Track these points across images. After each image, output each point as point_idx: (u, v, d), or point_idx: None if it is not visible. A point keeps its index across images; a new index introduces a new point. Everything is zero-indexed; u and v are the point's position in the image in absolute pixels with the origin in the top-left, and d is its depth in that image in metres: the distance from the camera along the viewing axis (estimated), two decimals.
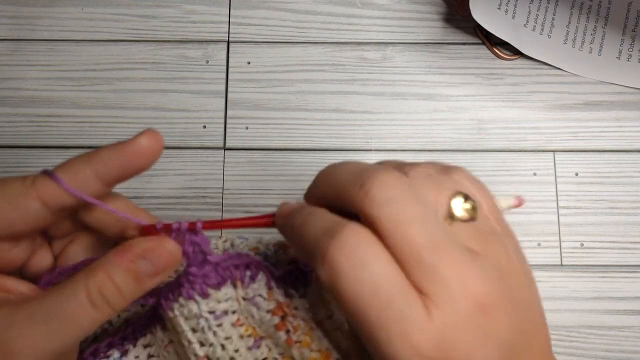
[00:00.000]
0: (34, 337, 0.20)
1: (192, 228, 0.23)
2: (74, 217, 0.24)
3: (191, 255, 0.24)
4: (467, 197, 0.21)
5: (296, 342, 0.25)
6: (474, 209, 0.21)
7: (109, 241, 0.25)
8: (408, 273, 0.19)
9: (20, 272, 0.24)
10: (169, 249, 0.22)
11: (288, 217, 0.22)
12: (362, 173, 0.20)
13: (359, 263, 0.18)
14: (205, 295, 0.24)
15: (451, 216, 0.21)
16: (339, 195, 0.20)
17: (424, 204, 0.20)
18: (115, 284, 0.21)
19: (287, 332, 0.25)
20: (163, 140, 0.22)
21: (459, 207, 0.21)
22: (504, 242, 0.22)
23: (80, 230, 0.25)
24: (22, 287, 0.22)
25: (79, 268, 0.23)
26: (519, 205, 0.24)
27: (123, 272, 0.21)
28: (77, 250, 0.25)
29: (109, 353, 0.26)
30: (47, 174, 0.22)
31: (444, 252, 0.19)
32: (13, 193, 0.21)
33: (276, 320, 0.25)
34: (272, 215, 0.23)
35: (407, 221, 0.19)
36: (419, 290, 0.18)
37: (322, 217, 0.20)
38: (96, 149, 0.22)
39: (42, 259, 0.24)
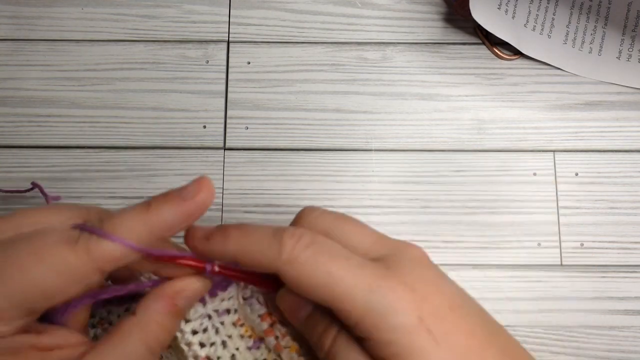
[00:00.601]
0: None
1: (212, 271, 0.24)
2: None
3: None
4: None
5: (285, 347, 0.25)
6: None
7: None
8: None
9: None
10: (200, 285, 0.23)
11: (214, 233, 0.23)
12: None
13: (319, 249, 0.21)
14: (214, 295, 0.25)
15: None
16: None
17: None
18: (166, 328, 0.22)
19: (276, 337, 0.25)
20: (214, 188, 0.22)
21: None
22: None
23: None
24: (71, 338, 0.22)
25: (85, 301, 0.23)
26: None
27: (169, 316, 0.22)
28: None
29: None
30: (99, 234, 0.20)
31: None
32: (67, 267, 0.20)
33: (265, 325, 0.25)
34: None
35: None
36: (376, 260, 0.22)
37: (261, 227, 0.22)
38: (152, 202, 0.21)
39: None
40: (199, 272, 0.24)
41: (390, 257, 0.23)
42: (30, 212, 0.22)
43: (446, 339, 0.21)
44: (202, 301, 0.25)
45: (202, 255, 0.23)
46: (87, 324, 0.24)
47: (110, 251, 0.20)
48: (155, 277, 0.24)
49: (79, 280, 0.20)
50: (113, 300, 0.26)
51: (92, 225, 0.21)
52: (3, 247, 0.20)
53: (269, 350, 0.26)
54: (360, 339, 0.22)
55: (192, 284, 0.23)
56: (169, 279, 0.23)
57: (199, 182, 0.22)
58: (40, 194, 0.38)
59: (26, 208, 0.22)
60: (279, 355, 0.26)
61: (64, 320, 0.22)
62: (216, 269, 0.23)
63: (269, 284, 0.24)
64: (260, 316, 0.25)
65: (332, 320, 0.23)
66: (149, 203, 0.21)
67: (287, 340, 0.25)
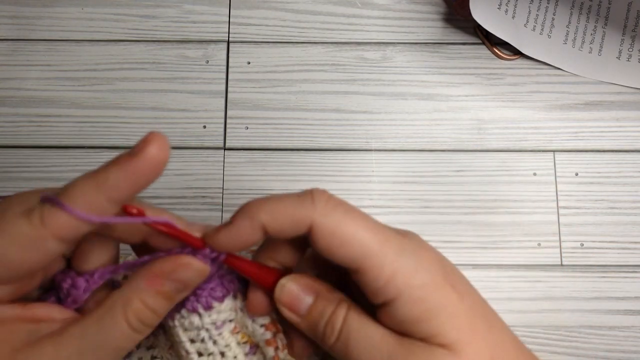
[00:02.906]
0: None
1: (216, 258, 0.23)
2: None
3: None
4: None
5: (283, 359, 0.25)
6: None
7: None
8: None
9: None
10: (195, 266, 0.22)
11: (233, 217, 0.22)
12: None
13: (349, 208, 0.22)
14: (209, 308, 0.24)
15: None
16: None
17: None
18: (150, 307, 0.22)
19: (276, 349, 0.25)
20: (169, 142, 0.21)
21: None
22: None
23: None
24: (54, 312, 0.22)
25: (105, 276, 0.22)
26: None
27: (154, 296, 0.22)
28: (90, 248, 0.23)
29: None
30: (53, 203, 0.20)
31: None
32: (23, 237, 0.20)
33: (268, 335, 0.25)
34: (276, 271, 0.24)
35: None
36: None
37: (284, 196, 0.23)
38: (100, 168, 0.20)
39: (56, 266, 0.23)
40: (196, 250, 0.22)
41: (401, 233, 0.23)
42: (14, 197, 0.22)
43: (468, 296, 0.22)
44: (197, 313, 0.24)
45: (224, 248, 0.22)
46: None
47: (62, 218, 0.20)
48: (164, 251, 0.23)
49: (38, 248, 0.20)
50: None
51: (49, 195, 0.20)
52: None
53: (265, 357, 0.26)
54: (378, 307, 0.22)
55: (183, 270, 0.22)
56: (168, 254, 0.23)
57: (147, 136, 0.21)
58: None
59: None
60: None
61: (84, 300, 0.22)
62: (222, 257, 0.22)
63: (269, 278, 0.24)
64: (263, 325, 0.25)
65: (342, 299, 0.23)
66: (97, 169, 0.20)
67: (285, 354, 0.25)
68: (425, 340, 0.21)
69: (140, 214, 0.22)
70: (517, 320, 0.40)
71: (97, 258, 0.23)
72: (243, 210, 0.22)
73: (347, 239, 0.21)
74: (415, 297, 0.21)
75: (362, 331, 0.22)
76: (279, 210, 0.22)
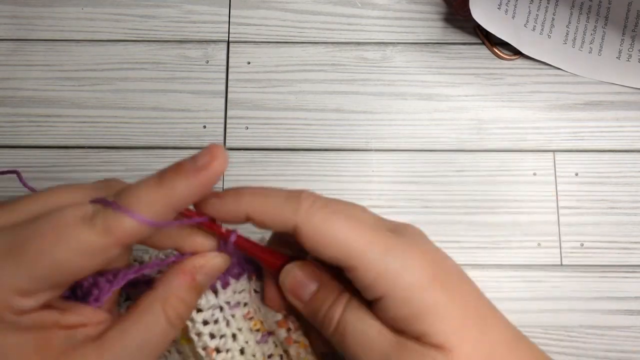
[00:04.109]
0: None
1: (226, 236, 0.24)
2: None
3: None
4: None
5: (295, 341, 0.25)
6: None
7: None
8: None
9: None
10: (219, 260, 0.24)
11: (228, 194, 0.23)
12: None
13: (336, 209, 0.22)
14: (226, 285, 0.25)
15: None
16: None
17: None
18: (186, 302, 0.23)
19: (288, 330, 0.25)
20: (228, 156, 0.21)
21: None
22: None
23: None
24: (88, 316, 0.22)
25: (128, 276, 0.23)
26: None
27: (189, 290, 0.23)
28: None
29: None
30: (117, 209, 0.20)
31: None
32: (88, 246, 0.19)
33: (279, 317, 0.26)
34: (285, 257, 0.25)
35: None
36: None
37: (275, 189, 0.23)
38: (164, 176, 0.20)
39: None
40: (219, 242, 0.24)
41: (395, 230, 0.23)
42: (40, 195, 0.22)
43: (460, 296, 0.22)
44: (214, 291, 0.25)
45: (212, 218, 0.24)
46: (116, 303, 0.24)
47: (128, 226, 0.20)
48: (175, 254, 0.24)
49: (99, 256, 0.20)
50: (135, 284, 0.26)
51: (109, 199, 0.20)
52: (20, 227, 0.20)
53: (276, 345, 0.26)
54: (373, 303, 0.22)
55: (212, 259, 0.23)
56: (192, 255, 0.24)
57: (211, 150, 0.21)
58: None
59: (35, 193, 0.22)
60: (285, 350, 0.26)
61: (98, 304, 0.23)
62: (233, 238, 0.24)
63: (277, 262, 0.25)
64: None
65: (342, 291, 0.23)
66: (162, 176, 0.20)
67: (298, 335, 0.26)
68: (418, 339, 0.21)
69: (192, 215, 0.23)
70: (517, 320, 0.39)
71: (119, 260, 0.23)
72: (233, 195, 0.23)
73: (330, 241, 0.22)
74: (401, 298, 0.21)
75: (359, 325, 0.22)
76: (263, 208, 0.22)
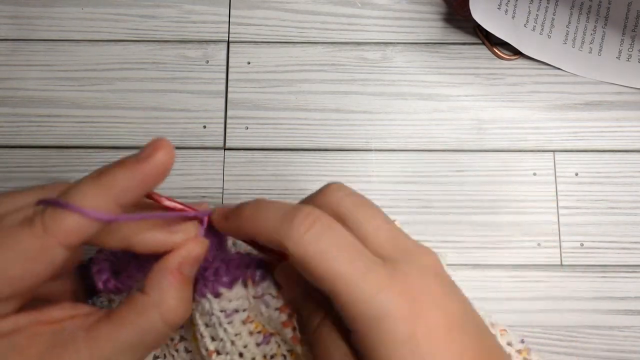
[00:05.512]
0: None
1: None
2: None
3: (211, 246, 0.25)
4: None
5: (301, 340, 0.25)
6: None
7: None
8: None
9: None
10: (197, 247, 0.24)
11: (232, 212, 0.24)
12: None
13: (329, 241, 0.21)
14: (217, 295, 0.25)
15: None
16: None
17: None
18: (182, 299, 0.22)
19: (294, 329, 0.25)
20: (174, 149, 0.21)
21: None
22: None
23: None
24: (70, 311, 0.22)
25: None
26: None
27: (181, 287, 0.23)
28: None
29: None
30: (56, 205, 0.19)
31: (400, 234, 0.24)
32: (26, 249, 0.19)
33: (284, 317, 0.26)
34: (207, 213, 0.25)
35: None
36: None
37: (276, 204, 0.23)
38: (104, 171, 0.20)
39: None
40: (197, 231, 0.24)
41: (399, 261, 0.22)
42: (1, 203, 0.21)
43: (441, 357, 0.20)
44: (206, 299, 0.25)
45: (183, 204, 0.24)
46: (76, 294, 0.24)
47: (71, 222, 0.19)
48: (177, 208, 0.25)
49: (43, 257, 0.19)
50: (115, 289, 0.26)
51: (52, 198, 0.19)
52: None
53: (279, 345, 0.26)
54: (348, 330, 0.22)
55: (193, 250, 0.23)
56: (188, 207, 0.24)
57: (154, 142, 0.21)
58: None
59: None
60: (290, 350, 0.26)
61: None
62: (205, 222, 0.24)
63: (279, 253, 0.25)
64: (278, 309, 0.25)
65: (318, 306, 0.23)
66: (103, 170, 0.20)
67: None
68: None
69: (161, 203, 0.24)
70: (517, 320, 0.40)
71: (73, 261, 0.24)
72: (237, 213, 0.24)
73: (317, 273, 0.21)
74: (371, 346, 0.21)
75: (329, 341, 0.22)
76: (258, 227, 0.23)
